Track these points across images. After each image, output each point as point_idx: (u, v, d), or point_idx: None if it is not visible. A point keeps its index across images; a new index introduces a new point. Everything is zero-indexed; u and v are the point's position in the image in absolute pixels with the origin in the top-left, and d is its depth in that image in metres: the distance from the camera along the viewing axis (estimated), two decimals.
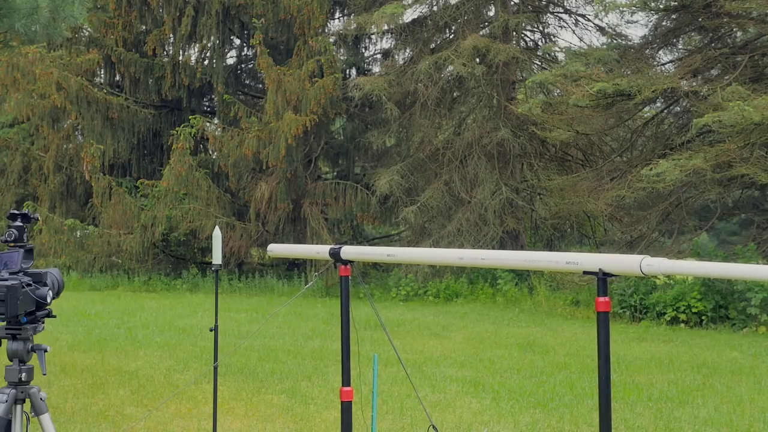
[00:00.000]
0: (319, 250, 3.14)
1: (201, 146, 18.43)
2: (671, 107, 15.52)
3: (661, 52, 15.68)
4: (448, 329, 10.41)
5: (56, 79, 16.33)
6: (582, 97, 12.57)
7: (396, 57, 17.95)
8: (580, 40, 19.14)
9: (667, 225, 14.61)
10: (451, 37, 16.61)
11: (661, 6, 14.16)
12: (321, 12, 16.44)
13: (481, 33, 15.63)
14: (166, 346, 8.77)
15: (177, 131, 16.16)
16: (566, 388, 6.75)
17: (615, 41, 16.07)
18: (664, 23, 15.24)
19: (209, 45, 17.93)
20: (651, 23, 15.57)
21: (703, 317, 10.72)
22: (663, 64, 15.38)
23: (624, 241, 14.65)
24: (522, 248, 14.94)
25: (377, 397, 4.42)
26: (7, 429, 2.88)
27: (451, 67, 15.25)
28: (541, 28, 17.63)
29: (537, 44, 17.40)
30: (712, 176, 12.10)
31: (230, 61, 19.50)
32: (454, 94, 17.06)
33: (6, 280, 2.82)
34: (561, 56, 16.17)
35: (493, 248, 14.21)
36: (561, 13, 17.46)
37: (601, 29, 16.77)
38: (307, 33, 16.33)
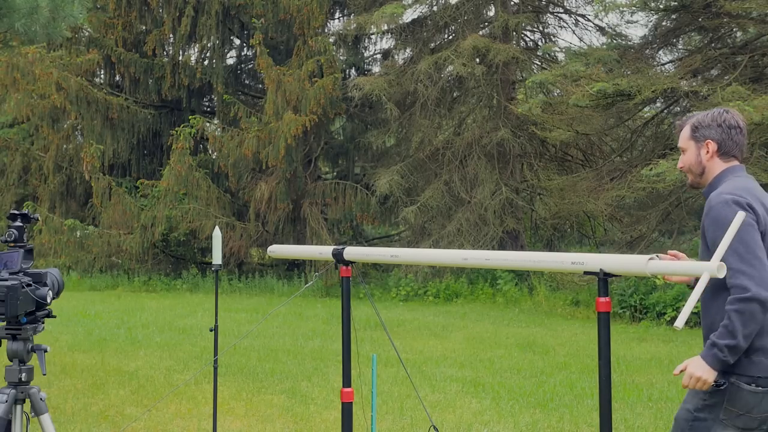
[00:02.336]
0: (322, 251, 3.13)
1: (201, 146, 18.43)
2: (671, 107, 15.50)
3: (661, 52, 15.67)
4: (448, 329, 10.41)
5: (56, 79, 16.33)
6: (582, 97, 12.57)
7: (396, 57, 17.95)
8: (580, 40, 19.14)
9: (667, 225, 14.60)
10: (451, 37, 16.61)
11: (661, 6, 14.15)
12: (321, 12, 16.44)
13: (481, 33, 15.63)
14: (166, 346, 8.77)
15: (177, 131, 16.15)
16: (566, 388, 6.74)
17: (615, 41, 16.06)
18: (664, 23, 15.23)
19: (209, 45, 17.93)
20: (651, 23, 15.56)
21: None
22: (663, 64, 15.38)
23: (624, 241, 14.64)
24: (522, 248, 14.93)
25: (377, 397, 4.42)
26: (7, 429, 2.88)
27: (451, 67, 15.24)
28: (541, 28, 17.63)
29: (537, 44, 17.40)
30: None
31: (230, 61, 19.50)
32: (454, 94, 17.05)
33: (6, 280, 2.82)
34: (561, 56, 16.17)
35: (493, 248, 14.20)
36: (561, 13, 17.46)
37: (601, 29, 16.77)
38: (307, 33, 16.32)
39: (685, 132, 2.72)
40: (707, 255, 2.48)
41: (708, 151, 2.64)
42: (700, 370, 2.40)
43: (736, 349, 2.36)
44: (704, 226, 2.55)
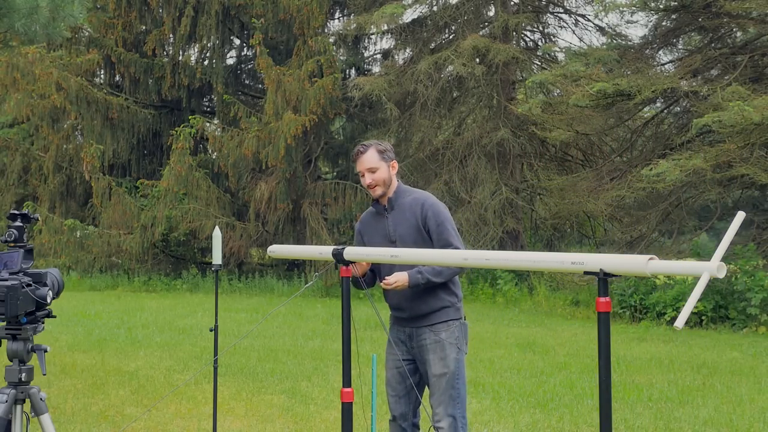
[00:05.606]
0: (322, 251, 3.12)
1: (201, 146, 18.44)
2: (671, 107, 15.52)
3: (661, 52, 15.69)
4: None
5: (56, 79, 16.33)
6: (582, 97, 12.57)
7: (396, 57, 17.96)
8: (580, 40, 19.17)
9: (667, 225, 14.61)
10: (451, 37, 16.62)
11: (661, 6, 14.16)
12: (320, 12, 16.44)
13: (481, 33, 15.63)
14: (166, 346, 8.77)
15: (177, 131, 16.15)
16: (566, 388, 6.74)
17: (615, 41, 16.07)
18: (664, 23, 15.25)
19: (209, 45, 17.93)
20: (651, 23, 15.58)
21: (703, 317, 10.72)
22: (663, 64, 15.39)
23: (624, 241, 14.65)
24: (522, 248, 14.94)
25: (377, 397, 4.42)
26: (7, 429, 2.87)
27: (451, 67, 15.25)
28: (541, 28, 17.64)
29: (537, 44, 17.41)
30: (712, 176, 12.10)
31: (230, 61, 19.51)
32: (454, 94, 17.06)
33: (6, 280, 2.81)
34: (561, 56, 16.18)
35: (493, 248, 14.20)
36: (561, 13, 17.47)
37: (601, 29, 16.78)
38: (307, 33, 16.32)
39: (374, 155, 3.63)
40: (422, 242, 3.53)
41: (394, 168, 3.69)
42: (403, 282, 3.59)
43: (430, 282, 3.53)
44: (426, 218, 3.54)
